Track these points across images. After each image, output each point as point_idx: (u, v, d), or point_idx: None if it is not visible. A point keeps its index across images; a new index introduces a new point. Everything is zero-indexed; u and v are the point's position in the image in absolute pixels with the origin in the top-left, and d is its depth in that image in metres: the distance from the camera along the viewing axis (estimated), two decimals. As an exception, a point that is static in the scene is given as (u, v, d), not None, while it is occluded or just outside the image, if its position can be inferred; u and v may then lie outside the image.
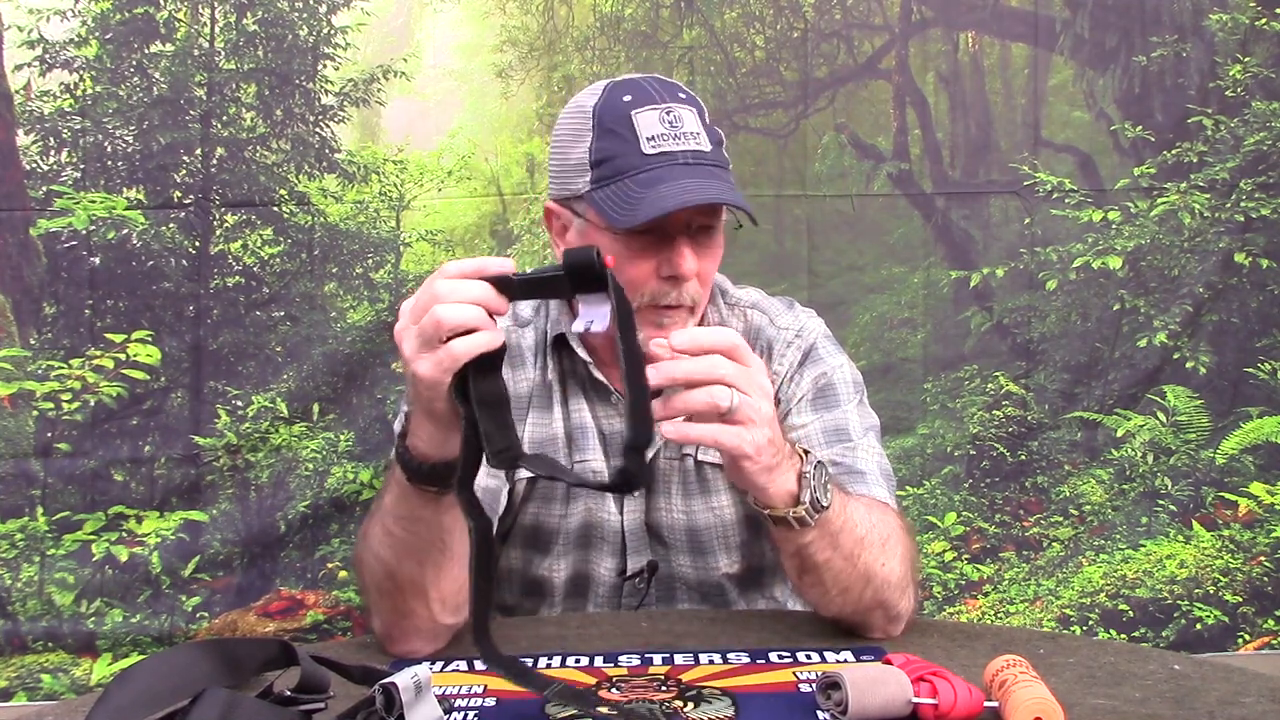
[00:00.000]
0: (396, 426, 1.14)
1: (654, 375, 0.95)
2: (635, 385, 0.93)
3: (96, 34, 2.10)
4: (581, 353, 1.35)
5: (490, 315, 0.95)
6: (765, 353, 1.38)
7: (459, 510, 1.00)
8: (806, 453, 1.07)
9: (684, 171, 1.21)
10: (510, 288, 0.95)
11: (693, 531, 1.35)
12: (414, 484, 1.05)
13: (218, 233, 2.15)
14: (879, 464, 1.32)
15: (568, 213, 1.31)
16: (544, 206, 1.37)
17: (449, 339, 0.93)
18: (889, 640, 1.16)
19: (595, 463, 1.34)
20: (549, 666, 1.07)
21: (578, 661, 1.08)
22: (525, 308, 1.42)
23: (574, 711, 0.93)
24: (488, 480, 1.28)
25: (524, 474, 1.32)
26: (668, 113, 1.24)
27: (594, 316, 0.93)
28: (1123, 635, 2.30)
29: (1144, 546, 2.34)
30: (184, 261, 2.15)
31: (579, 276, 0.92)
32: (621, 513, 1.35)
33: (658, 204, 1.18)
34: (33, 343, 2.11)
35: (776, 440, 1.02)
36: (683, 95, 1.28)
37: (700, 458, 1.35)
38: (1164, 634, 2.31)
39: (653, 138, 1.22)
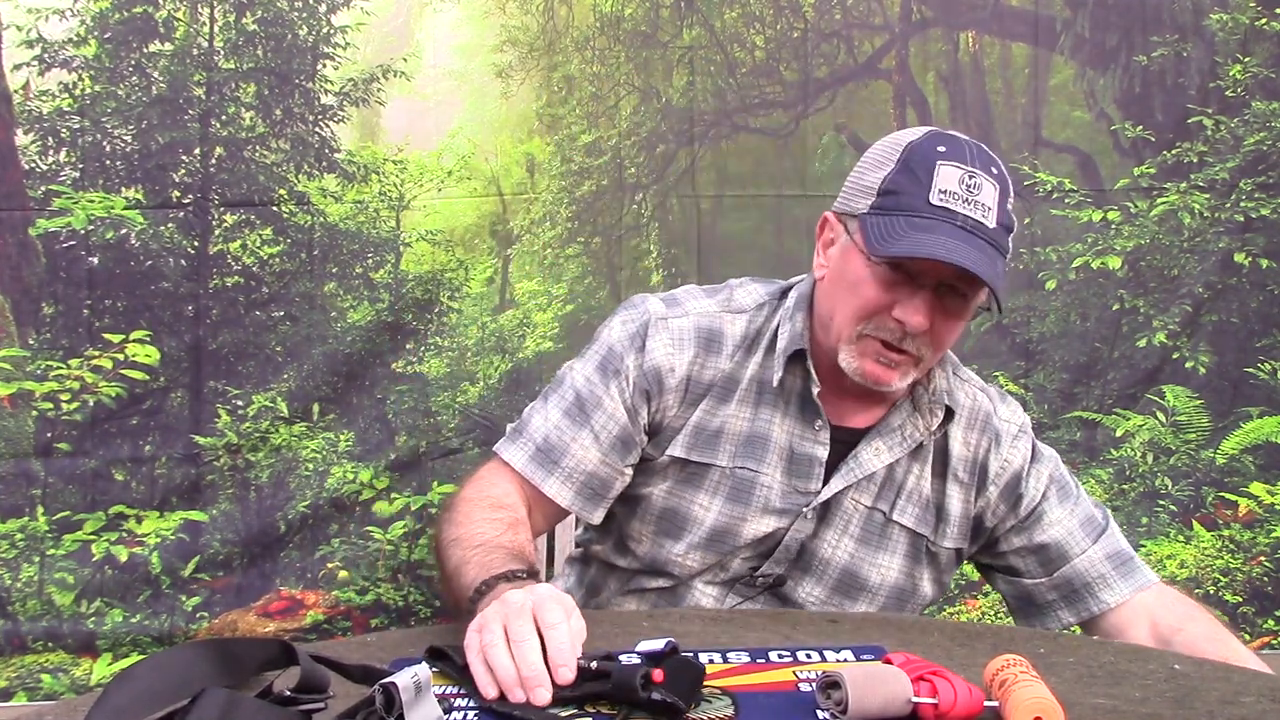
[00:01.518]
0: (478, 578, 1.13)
1: None
2: None
3: (95, 33, 2.10)
4: (815, 374, 1.33)
5: None
6: (995, 440, 1.39)
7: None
8: None
9: (956, 233, 1.21)
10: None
11: (850, 574, 1.35)
12: (463, 610, 1.08)
13: (217, 232, 2.15)
14: (1128, 545, 1.37)
15: (841, 228, 1.31)
16: (823, 215, 1.36)
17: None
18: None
19: (765, 476, 1.33)
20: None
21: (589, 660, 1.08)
22: (747, 296, 1.40)
23: (574, 711, 0.93)
24: (599, 468, 1.30)
25: (678, 452, 1.33)
26: (970, 176, 1.25)
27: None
28: (1123, 635, 2.30)
29: (1144, 546, 2.33)
30: (183, 261, 2.14)
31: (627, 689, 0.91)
32: (789, 528, 1.34)
33: (913, 247, 1.19)
34: (32, 343, 2.10)
35: None
36: (995, 171, 1.27)
37: (893, 517, 1.35)
38: (1164, 634, 2.31)
39: (945, 192, 1.23)
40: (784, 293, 1.41)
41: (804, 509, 1.34)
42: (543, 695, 0.91)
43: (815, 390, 1.33)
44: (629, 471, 1.34)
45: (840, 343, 1.28)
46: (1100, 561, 1.34)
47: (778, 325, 1.36)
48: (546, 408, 1.33)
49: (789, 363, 1.34)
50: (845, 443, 1.34)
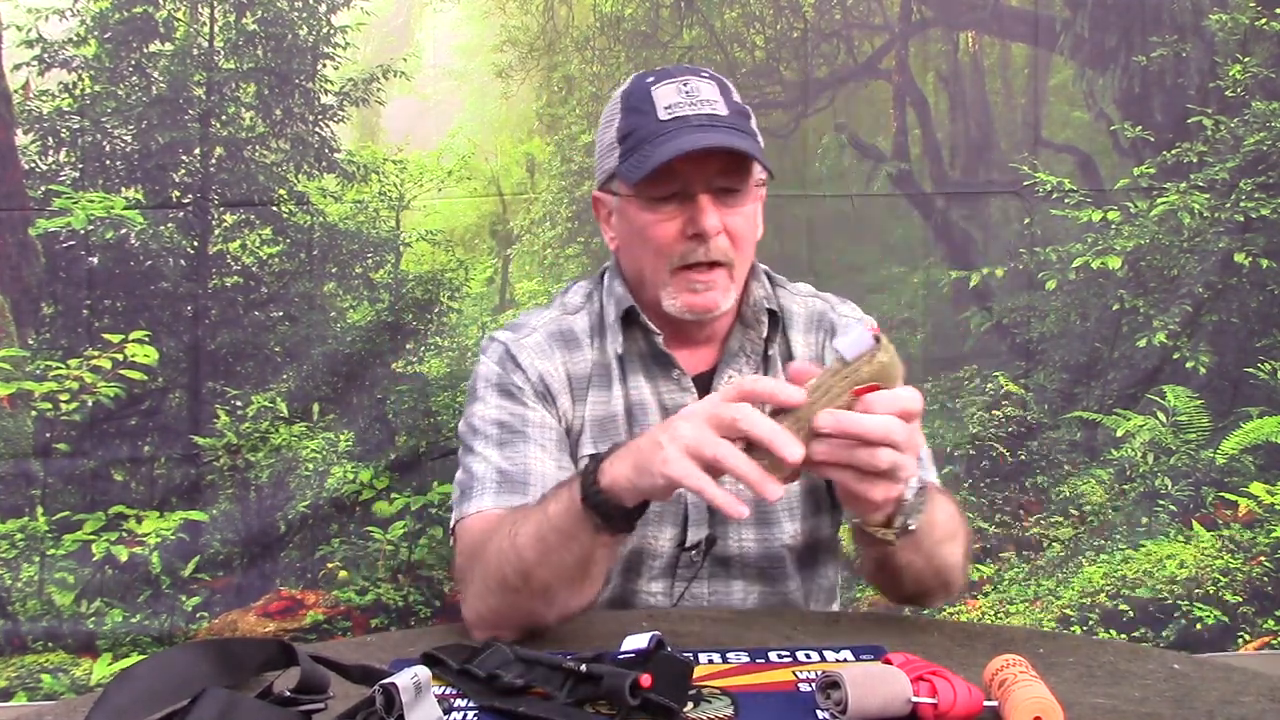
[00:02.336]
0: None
1: (829, 430, 0.96)
2: None
3: (95, 33, 2.10)
4: (652, 325, 1.39)
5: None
6: (830, 333, 1.45)
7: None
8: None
9: (693, 130, 1.28)
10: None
11: (756, 504, 1.36)
12: (586, 510, 1.07)
13: (216, 232, 2.15)
14: (927, 449, 1.38)
15: (609, 196, 1.39)
16: (591, 196, 1.44)
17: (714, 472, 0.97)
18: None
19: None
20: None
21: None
22: (575, 295, 1.48)
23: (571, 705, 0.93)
24: (559, 473, 1.32)
25: (589, 449, 1.37)
26: (685, 84, 1.32)
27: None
28: (1123, 635, 2.30)
29: (1144, 546, 2.34)
30: (182, 261, 2.14)
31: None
32: None
33: (662, 155, 1.25)
34: (31, 343, 2.10)
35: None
36: (705, 74, 1.35)
37: None
38: (1164, 634, 2.31)
39: (669, 106, 1.30)
40: (602, 275, 1.48)
41: None
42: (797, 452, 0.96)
43: (659, 338, 1.39)
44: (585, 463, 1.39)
45: (658, 290, 1.35)
46: None
47: (603, 303, 1.44)
48: (480, 455, 1.34)
49: (627, 327, 1.41)
50: (707, 387, 1.40)
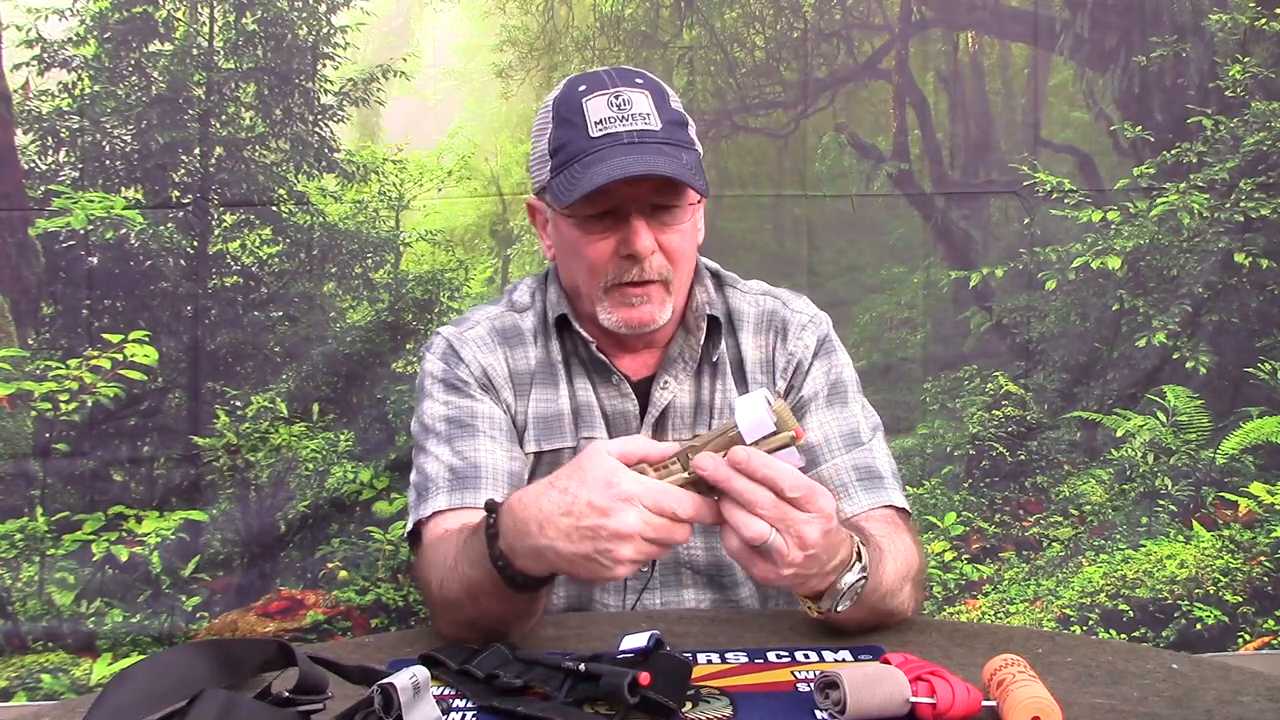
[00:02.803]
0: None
1: (705, 475, 0.95)
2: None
3: (95, 33, 2.10)
4: (584, 333, 1.38)
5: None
6: (781, 333, 1.43)
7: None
8: (859, 555, 1.06)
9: (625, 150, 1.25)
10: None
11: None
12: (509, 587, 1.06)
13: (216, 232, 2.15)
14: (890, 465, 1.36)
15: (543, 205, 1.38)
16: (526, 202, 1.43)
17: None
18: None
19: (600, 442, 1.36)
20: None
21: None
22: (523, 293, 1.47)
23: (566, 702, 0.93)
24: (511, 464, 1.32)
25: (531, 447, 1.37)
26: (616, 96, 1.29)
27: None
28: (1123, 635, 2.30)
29: (1144, 546, 2.33)
30: (182, 261, 2.14)
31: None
32: None
33: (589, 182, 1.22)
34: (31, 343, 2.10)
35: (815, 566, 0.99)
36: (639, 81, 1.32)
37: None
38: (1164, 634, 2.31)
39: (600, 121, 1.27)
40: (546, 277, 1.48)
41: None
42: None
43: (593, 345, 1.39)
44: (530, 459, 1.38)
45: (594, 305, 1.34)
46: (846, 470, 1.33)
47: (545, 304, 1.43)
48: (430, 455, 1.34)
49: (565, 333, 1.41)
50: (646, 392, 1.40)
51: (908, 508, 1.33)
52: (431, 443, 1.34)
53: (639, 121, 1.27)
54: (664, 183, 1.25)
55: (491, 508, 1.06)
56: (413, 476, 1.36)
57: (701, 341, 1.40)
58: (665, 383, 1.39)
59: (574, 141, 1.28)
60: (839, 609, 1.06)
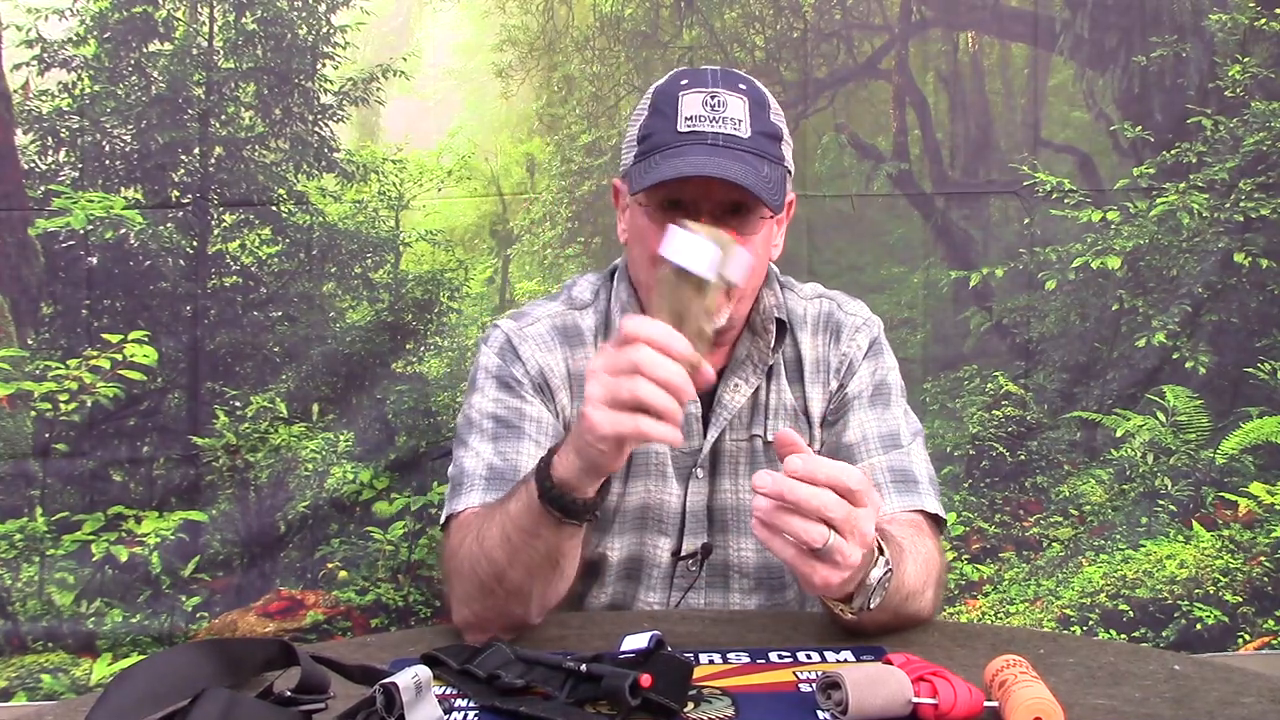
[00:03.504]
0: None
1: (766, 491, 0.94)
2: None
3: (95, 33, 2.10)
4: None
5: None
6: (835, 334, 1.43)
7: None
8: (881, 550, 1.05)
9: (707, 150, 1.24)
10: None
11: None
12: (545, 506, 1.06)
13: (216, 232, 2.15)
14: (928, 470, 1.36)
15: (625, 189, 1.37)
16: (612, 182, 1.42)
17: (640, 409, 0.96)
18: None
19: (656, 447, 1.36)
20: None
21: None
22: (583, 289, 1.46)
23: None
24: None
25: None
26: (712, 96, 1.27)
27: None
28: (1123, 635, 2.30)
29: (1144, 546, 2.34)
30: (181, 261, 2.14)
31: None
32: (685, 494, 1.36)
33: (662, 173, 1.22)
34: (30, 343, 2.10)
35: (856, 569, 0.99)
36: (742, 86, 1.30)
37: (769, 438, 1.37)
38: (1164, 634, 2.31)
39: (691, 117, 1.26)
40: (612, 274, 1.46)
41: (694, 468, 1.37)
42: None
43: None
44: None
45: (651, 293, 1.31)
46: (881, 471, 1.33)
47: (610, 304, 1.42)
48: (473, 450, 1.33)
49: None
50: (708, 393, 1.38)
51: (942, 514, 1.33)
52: (475, 438, 1.34)
53: (729, 125, 1.26)
54: (739, 190, 1.24)
55: (550, 452, 1.08)
56: (451, 469, 1.35)
57: (771, 344, 1.39)
58: (736, 385, 1.38)
59: (661, 132, 1.27)
60: (871, 606, 1.05)
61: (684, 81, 1.30)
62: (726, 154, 1.24)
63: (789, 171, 1.33)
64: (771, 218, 1.31)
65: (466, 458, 1.33)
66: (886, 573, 1.05)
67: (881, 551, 1.05)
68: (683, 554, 1.39)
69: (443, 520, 1.32)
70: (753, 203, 1.26)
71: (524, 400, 1.35)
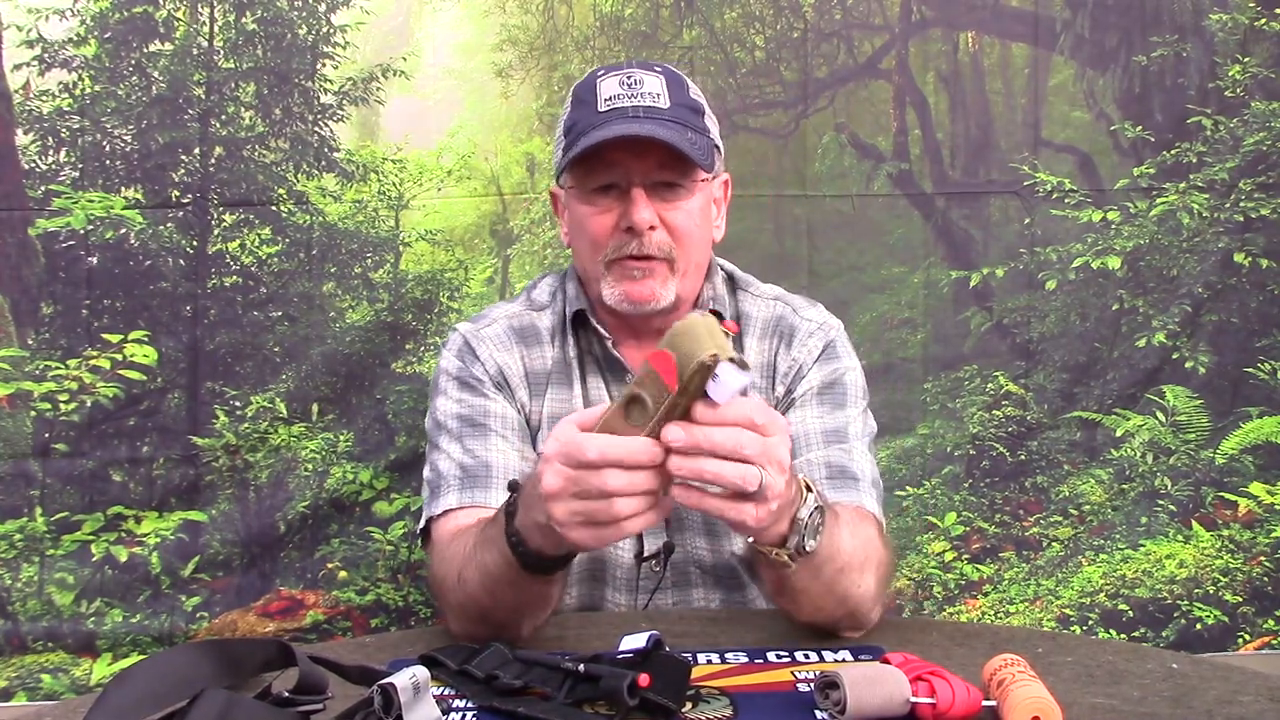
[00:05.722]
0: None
1: (679, 447, 0.89)
2: None
3: (95, 33, 2.10)
4: (600, 329, 1.38)
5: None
6: (787, 339, 1.42)
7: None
8: (809, 488, 1.03)
9: (625, 121, 1.26)
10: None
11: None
12: (520, 561, 1.05)
13: (216, 232, 2.15)
14: (872, 472, 1.34)
15: (561, 191, 1.39)
16: (549, 192, 1.45)
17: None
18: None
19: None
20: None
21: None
22: (543, 291, 1.47)
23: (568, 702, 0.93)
24: (522, 464, 1.32)
25: (544, 448, 1.36)
26: (628, 77, 1.31)
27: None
28: (1123, 635, 2.30)
29: (1144, 546, 2.33)
30: (182, 261, 2.14)
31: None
32: None
33: (587, 141, 1.24)
34: (30, 343, 2.10)
35: (783, 500, 0.96)
36: (657, 69, 1.33)
37: None
38: (1164, 634, 2.31)
39: (610, 98, 1.29)
40: (565, 276, 1.48)
41: None
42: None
43: (610, 341, 1.39)
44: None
45: (598, 281, 1.34)
46: (818, 466, 1.30)
47: (564, 302, 1.44)
48: (443, 452, 1.34)
49: (581, 329, 1.41)
50: None
51: (880, 517, 1.30)
52: (444, 440, 1.35)
53: (647, 99, 1.29)
54: (670, 158, 1.26)
55: (514, 487, 1.06)
56: (425, 472, 1.36)
57: None
58: None
59: (583, 118, 1.30)
60: (808, 547, 1.01)
61: (600, 72, 1.34)
62: (649, 122, 1.26)
63: (717, 148, 1.35)
64: (703, 180, 1.32)
65: (440, 460, 1.34)
66: (816, 509, 1.02)
67: (809, 490, 1.03)
68: (645, 555, 1.38)
69: (421, 525, 1.33)
70: (683, 169, 1.28)
71: (487, 398, 1.36)
